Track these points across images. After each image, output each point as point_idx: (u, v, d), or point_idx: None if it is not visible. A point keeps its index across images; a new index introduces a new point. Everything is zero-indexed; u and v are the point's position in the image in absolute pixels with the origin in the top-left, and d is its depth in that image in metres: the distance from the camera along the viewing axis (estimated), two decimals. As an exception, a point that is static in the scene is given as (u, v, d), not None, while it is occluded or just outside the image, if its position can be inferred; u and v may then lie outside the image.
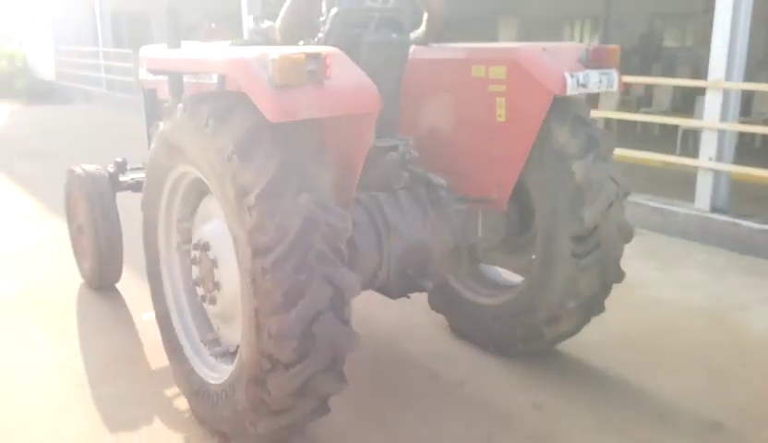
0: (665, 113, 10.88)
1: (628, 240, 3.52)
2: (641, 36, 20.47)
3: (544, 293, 3.50)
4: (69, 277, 5.11)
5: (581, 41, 24.89)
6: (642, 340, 4.21)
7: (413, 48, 3.63)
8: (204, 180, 2.83)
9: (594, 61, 3.32)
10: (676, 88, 11.54)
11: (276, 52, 2.48)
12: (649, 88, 12.25)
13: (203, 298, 3.07)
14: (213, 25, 4.21)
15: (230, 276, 2.80)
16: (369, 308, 4.56)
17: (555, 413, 3.37)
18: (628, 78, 10.95)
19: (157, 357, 3.74)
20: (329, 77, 2.52)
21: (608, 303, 3.51)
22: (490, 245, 3.84)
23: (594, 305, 3.54)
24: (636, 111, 11.24)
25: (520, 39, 25.82)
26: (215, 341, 3.22)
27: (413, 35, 3.62)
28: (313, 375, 2.56)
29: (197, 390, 3.09)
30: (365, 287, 3.26)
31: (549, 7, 23.93)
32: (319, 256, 2.47)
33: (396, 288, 3.40)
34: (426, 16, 3.68)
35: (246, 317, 2.56)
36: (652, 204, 6.55)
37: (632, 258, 5.61)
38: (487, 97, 3.44)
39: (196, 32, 4.16)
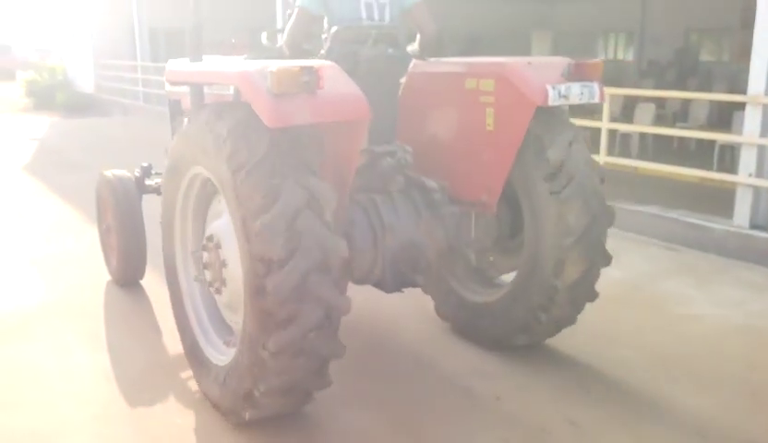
0: (701, 128, 10.73)
1: (600, 174, 3.71)
2: (677, 50, 20.25)
3: (535, 274, 3.68)
4: (102, 284, 5.22)
5: (615, 55, 24.72)
6: (679, 357, 4.14)
7: (412, 62, 4.01)
8: (212, 179, 3.15)
9: (576, 74, 3.54)
10: (712, 102, 11.38)
11: (275, 65, 2.77)
12: (685, 102, 12.09)
13: (210, 284, 3.33)
14: (233, 40, 4.45)
15: (234, 260, 3.04)
16: (402, 322, 4.57)
17: (591, 430, 3.33)
18: (664, 93, 10.89)
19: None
20: (322, 88, 2.81)
21: (644, 319, 3.48)
22: (483, 247, 4.04)
23: (591, 245, 3.62)
24: (672, 126, 11.11)
25: (553, 52, 25.75)
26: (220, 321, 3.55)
27: (410, 49, 3.95)
28: (309, 330, 2.80)
29: (201, 362, 3.47)
30: (361, 282, 3.62)
31: (583, 21, 23.82)
32: (307, 220, 2.77)
33: (390, 282, 3.64)
34: (418, 36, 3.96)
35: (246, 280, 2.84)
36: (688, 220, 6.45)
37: (668, 275, 5.59)
38: (478, 107, 3.68)
39: (221, 47, 4.48)
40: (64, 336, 4.38)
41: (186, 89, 3.79)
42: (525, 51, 25.17)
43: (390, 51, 3.67)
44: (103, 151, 11.57)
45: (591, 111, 12.50)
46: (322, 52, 3.63)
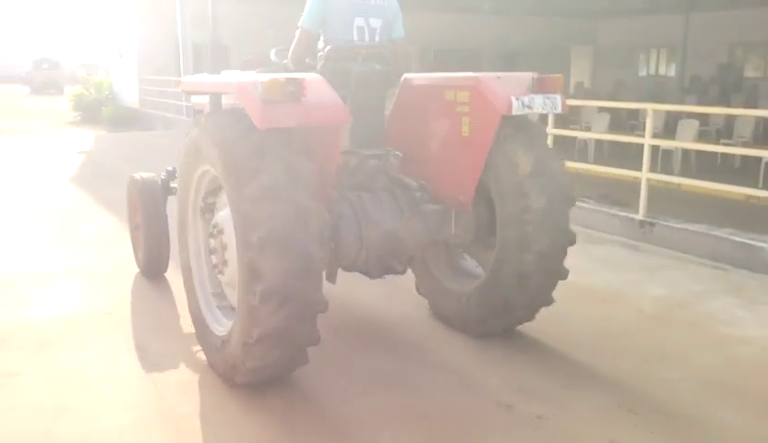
0: (746, 144, 10.51)
1: (563, 170, 4.15)
2: (720, 66, 19.90)
3: (506, 258, 4.08)
4: (145, 293, 5.33)
5: (656, 71, 24.41)
6: (727, 379, 4.03)
7: (403, 77, 4.48)
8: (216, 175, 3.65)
9: (539, 87, 3.99)
10: (758, 119, 11.14)
11: (266, 77, 3.27)
12: (729, 119, 11.87)
13: (215, 267, 3.85)
14: (249, 56, 4.93)
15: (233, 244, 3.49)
16: (439, 337, 4.55)
17: (635, 452, 3.26)
18: (707, 109, 10.70)
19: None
20: (305, 96, 3.28)
21: (690, 339, 3.40)
22: (463, 242, 4.46)
23: (553, 239, 4.02)
24: (716, 142, 10.90)
25: (593, 68, 25.55)
26: (221, 295, 4.02)
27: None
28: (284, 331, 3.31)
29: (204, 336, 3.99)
30: (348, 268, 4.13)
31: (624, 37, 23.61)
32: (289, 184, 3.24)
33: (374, 269, 4.11)
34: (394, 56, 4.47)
35: (241, 262, 3.31)
36: (736, 239, 6.30)
37: (715, 294, 5.46)
38: (456, 116, 4.13)
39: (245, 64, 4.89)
40: (108, 343, 4.47)
41: (206, 99, 4.15)
42: (564, 67, 25.04)
43: (378, 67, 4.21)
44: (145, 163, 11.78)
45: (632, 127, 12.37)
46: (318, 67, 4.13)
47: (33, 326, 4.71)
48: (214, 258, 3.81)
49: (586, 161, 9.98)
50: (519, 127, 4.05)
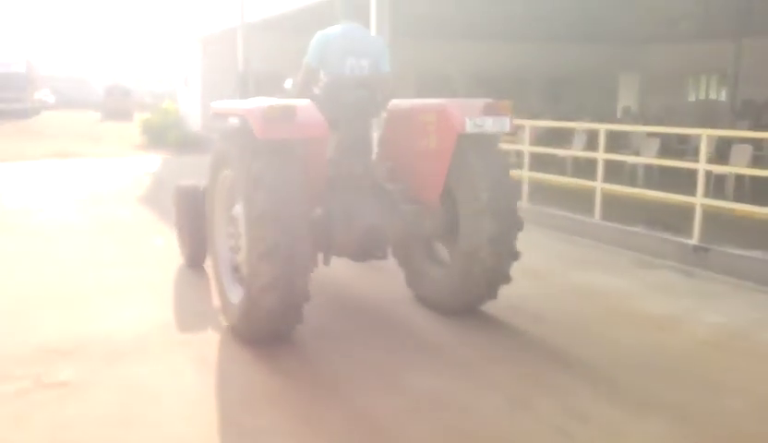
0: (803, 170, 10.25)
1: (509, 174, 5.19)
2: (774, 91, 19.47)
3: (466, 245, 5.02)
4: (212, 310, 5.49)
5: (706, 96, 24.05)
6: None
7: (390, 102, 5.52)
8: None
9: (490, 110, 4.96)
10: (816, 144, 10.88)
11: (268, 102, 4.37)
12: (785, 144, 11.62)
13: (232, 248, 4.87)
14: (289, 85, 5.83)
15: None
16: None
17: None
18: (762, 134, 10.49)
19: (296, 391, 3.94)
20: (296, 116, 4.34)
21: (751, 368, 3.34)
22: (435, 234, 5.46)
23: (499, 223, 4.93)
24: (771, 168, 10.66)
25: (641, 94, 25.31)
26: (237, 270, 4.90)
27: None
28: (279, 281, 4.29)
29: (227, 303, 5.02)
30: (339, 254, 5.15)
31: (672, 63, 23.34)
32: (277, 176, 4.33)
33: (359, 256, 5.19)
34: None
35: (247, 236, 4.43)
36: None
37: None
38: (426, 133, 5.16)
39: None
40: (174, 356, 4.64)
41: (237, 111, 4.88)
42: (612, 92, 24.88)
43: (365, 95, 5.16)
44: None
45: (682, 152, 12.20)
46: (320, 94, 5.15)
47: (104, 338, 4.92)
48: (232, 242, 4.83)
49: (636, 186, 9.90)
50: (476, 141, 5.03)
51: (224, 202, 5.14)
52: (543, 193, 9.39)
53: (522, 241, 7.70)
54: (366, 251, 5.19)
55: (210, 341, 4.93)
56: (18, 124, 32.01)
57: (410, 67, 22.08)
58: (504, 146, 10.84)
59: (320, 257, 5.09)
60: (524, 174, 9.17)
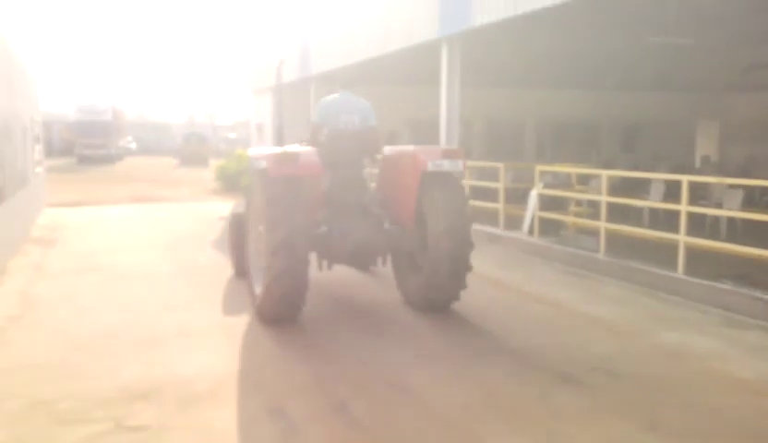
0: None
1: (465, 205, 6.72)
2: None
3: (432, 258, 6.54)
4: (283, 354, 5.54)
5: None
6: None
7: (384, 148, 7.32)
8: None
9: (447, 155, 6.62)
10: None
11: (281, 150, 6.23)
12: None
13: (257, 252, 6.69)
14: (306, 136, 7.32)
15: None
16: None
17: None
18: None
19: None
20: (298, 160, 6.15)
21: None
22: (412, 250, 6.98)
23: (452, 243, 6.47)
24: None
25: (720, 142, 24.55)
26: (261, 270, 6.43)
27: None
28: (282, 273, 6.00)
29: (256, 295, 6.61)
30: (337, 261, 6.99)
31: (753, 110, 22.55)
32: (285, 202, 6.10)
33: (352, 263, 7.28)
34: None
35: (264, 241, 6.20)
36: None
37: None
38: (403, 172, 6.88)
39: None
40: (248, 402, 4.65)
41: (261, 156, 6.63)
42: (689, 141, 24.23)
43: (354, 144, 7.02)
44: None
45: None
46: (323, 142, 6.96)
47: (180, 382, 4.98)
48: (259, 248, 6.52)
49: (718, 239, 9.47)
50: (440, 179, 6.66)
51: (254, 222, 6.92)
52: (619, 244, 9.08)
53: (601, 295, 7.49)
54: (356, 261, 7.27)
55: (282, 388, 4.91)
56: (103, 169, 33.67)
57: (479, 116, 22.17)
58: (577, 195, 10.70)
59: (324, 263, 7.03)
60: (601, 225, 8.90)
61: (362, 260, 7.22)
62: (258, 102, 26.04)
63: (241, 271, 8.13)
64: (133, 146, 52.74)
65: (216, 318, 6.72)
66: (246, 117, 28.35)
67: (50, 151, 32.00)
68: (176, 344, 5.88)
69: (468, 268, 6.64)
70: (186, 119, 67.49)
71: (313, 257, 6.58)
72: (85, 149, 39.92)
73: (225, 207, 16.72)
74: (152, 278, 8.53)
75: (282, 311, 6.31)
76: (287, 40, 21.21)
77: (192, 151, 40.37)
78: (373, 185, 7.52)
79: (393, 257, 7.35)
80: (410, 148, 7.04)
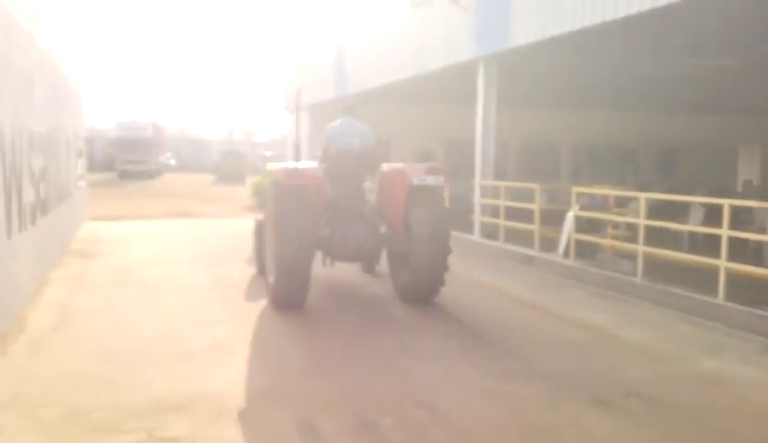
0: None
1: (445, 212, 7.96)
2: None
3: (416, 258, 7.70)
4: (315, 370, 5.53)
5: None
6: None
7: (382, 166, 8.47)
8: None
9: (430, 171, 7.71)
10: None
11: (293, 165, 7.92)
12: None
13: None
14: (318, 154, 8.50)
15: None
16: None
17: None
18: None
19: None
20: (304, 174, 7.53)
21: None
22: (403, 250, 8.02)
23: (432, 246, 7.67)
24: None
25: (763, 166, 24.03)
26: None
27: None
28: (289, 266, 7.25)
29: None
30: (338, 259, 8.20)
31: (798, 134, 22.07)
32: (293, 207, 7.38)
33: (351, 260, 8.54)
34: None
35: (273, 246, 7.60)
36: None
37: None
38: (395, 185, 8.03)
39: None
40: (278, 418, 4.65)
41: (276, 168, 8.18)
42: (731, 164, 23.77)
43: (356, 161, 8.23)
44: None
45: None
46: (331, 158, 8.19)
47: (210, 396, 5.01)
48: (272, 246, 7.70)
49: (761, 265, 9.21)
50: (425, 192, 7.82)
51: (269, 225, 8.06)
52: (657, 269, 8.90)
53: (637, 319, 7.36)
54: (354, 259, 8.54)
55: (313, 404, 4.90)
56: (143, 184, 34.37)
57: (514, 136, 22.06)
58: (615, 218, 10.54)
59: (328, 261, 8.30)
60: (639, 248, 8.73)
61: (359, 258, 8.62)
62: (296, 119, 26.31)
63: (262, 269, 9.07)
64: (172, 162, 53.76)
65: (248, 334, 6.76)
66: (283, 134, 28.71)
67: (92, 166, 32.74)
68: (209, 358, 5.92)
69: (446, 268, 7.83)
70: (225, 135, 68.64)
71: (319, 255, 8.08)
72: (126, 164, 40.82)
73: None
74: (187, 292, 8.63)
75: (288, 300, 7.50)
76: (323, 60, 21.48)
77: (230, 168, 40.97)
78: (373, 196, 8.57)
79: (388, 256, 8.65)
80: (401, 165, 8.29)
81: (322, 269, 8.32)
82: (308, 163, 8.38)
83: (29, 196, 7.62)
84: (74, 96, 13.22)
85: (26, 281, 7.52)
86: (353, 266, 9.67)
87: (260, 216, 9.48)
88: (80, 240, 13.06)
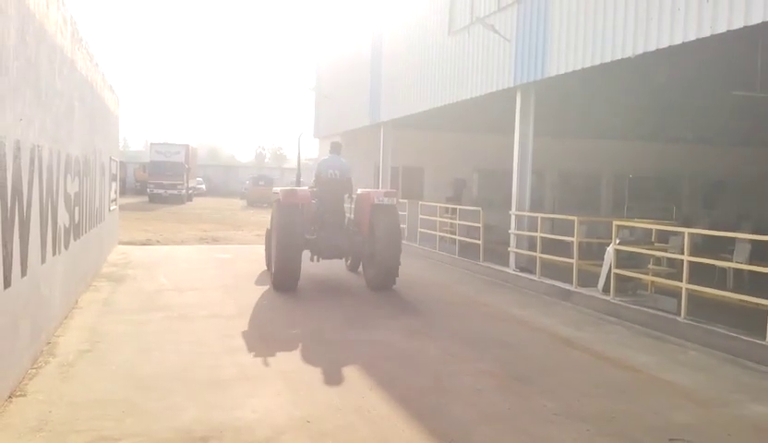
0: None
1: (397, 226, 11.22)
2: None
3: (377, 256, 10.87)
4: (344, 404, 5.38)
5: None
6: None
7: (358, 190, 11.77)
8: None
9: (388, 194, 11.15)
10: None
11: (290, 188, 11.28)
12: None
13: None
14: (313, 180, 11.83)
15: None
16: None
17: None
18: None
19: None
20: (297, 195, 10.81)
21: None
22: (369, 251, 11.07)
23: (388, 247, 10.77)
24: None
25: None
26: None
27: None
28: (284, 259, 10.55)
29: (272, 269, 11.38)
30: (321, 256, 11.54)
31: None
32: (288, 218, 10.69)
33: (332, 257, 11.79)
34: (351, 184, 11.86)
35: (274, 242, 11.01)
36: None
37: None
38: (364, 204, 11.28)
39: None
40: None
41: (278, 191, 11.23)
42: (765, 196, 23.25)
43: (338, 187, 11.45)
44: (335, 272, 12.45)
45: None
46: (319, 184, 11.53)
47: (240, 426, 4.89)
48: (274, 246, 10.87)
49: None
50: (383, 209, 10.88)
51: (273, 231, 11.03)
52: (700, 307, 8.56)
53: (681, 361, 7.08)
54: (334, 256, 11.72)
55: (343, 439, 4.74)
56: (173, 209, 34.70)
57: (552, 166, 21.80)
58: (657, 253, 10.19)
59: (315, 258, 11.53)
60: (683, 286, 8.40)
61: (338, 256, 11.94)
62: (325, 148, 26.47)
63: (269, 265, 12.07)
64: (203, 187, 54.33)
65: (276, 363, 6.62)
66: (314, 158, 28.83)
67: (124, 190, 33.23)
68: (237, 388, 5.79)
69: (399, 263, 10.95)
70: (255, 158, 69.20)
71: (307, 254, 11.26)
72: (157, 188, 41.31)
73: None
74: (215, 319, 8.54)
75: (284, 285, 10.59)
76: (357, 87, 21.58)
77: (259, 193, 41.19)
78: (350, 212, 11.90)
79: (361, 256, 11.88)
80: (368, 190, 11.68)
81: (321, 270, 12.26)
82: (302, 188, 11.52)
83: (63, 220, 7.62)
84: (110, 121, 13.38)
85: (57, 304, 7.49)
86: (341, 267, 13.09)
87: (269, 226, 12.42)
88: (111, 264, 13.11)
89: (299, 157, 13.29)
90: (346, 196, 11.67)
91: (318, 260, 11.50)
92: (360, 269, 12.19)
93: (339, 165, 11.51)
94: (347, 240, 11.31)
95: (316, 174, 11.55)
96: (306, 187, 11.55)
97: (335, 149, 11.90)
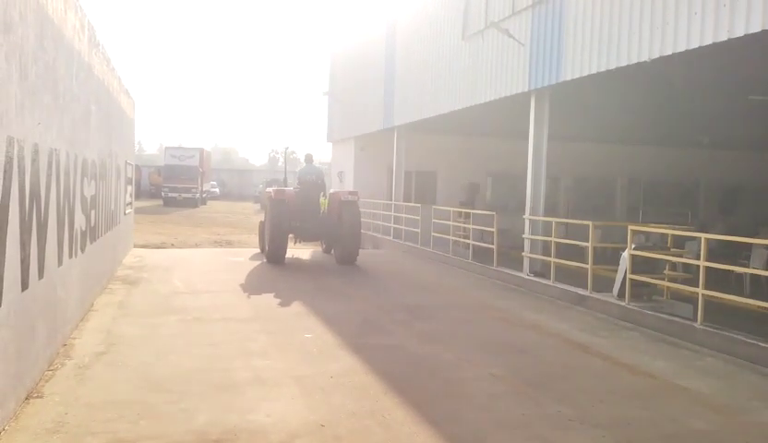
0: None
1: (358, 214, 15.33)
2: None
3: (341, 240, 15.20)
4: (358, 408, 5.37)
5: None
6: None
7: (331, 189, 19.01)
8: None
9: (351, 194, 15.48)
10: None
11: (279, 188, 15.54)
12: None
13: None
14: (297, 182, 15.74)
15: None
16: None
17: None
18: None
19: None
20: (284, 193, 15.14)
21: None
22: (339, 236, 15.28)
23: (351, 232, 15.05)
24: None
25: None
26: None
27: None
28: (275, 240, 14.74)
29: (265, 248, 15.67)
30: (302, 239, 16.07)
31: None
32: (277, 210, 14.84)
33: (309, 240, 16.71)
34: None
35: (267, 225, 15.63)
36: None
37: None
38: (335, 201, 15.43)
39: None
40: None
41: (270, 190, 15.47)
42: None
43: (316, 188, 15.59)
44: (354, 280, 12.43)
45: None
46: (301, 184, 15.61)
47: (254, 429, 4.89)
48: (266, 231, 15.55)
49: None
50: (348, 203, 15.01)
51: (267, 221, 15.12)
52: (717, 313, 8.48)
53: (698, 367, 7.04)
54: (312, 239, 16.30)
55: (360, 442, 4.72)
56: (187, 212, 34.90)
57: (566, 171, 21.68)
58: (673, 258, 10.10)
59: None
60: (699, 291, 8.32)
61: (314, 239, 16.29)
62: (337, 151, 26.52)
63: (262, 248, 15.88)
64: (216, 190, 54.61)
65: (290, 367, 6.62)
66: (329, 165, 28.89)
67: (138, 193, 33.46)
68: (251, 391, 5.80)
69: (359, 245, 15.11)
70: (268, 162, 69.40)
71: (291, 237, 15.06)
72: (172, 192, 41.57)
73: (300, 252, 16.88)
74: (228, 322, 8.56)
75: (274, 259, 14.36)
76: (371, 92, 21.61)
77: None
78: (324, 207, 15.43)
79: (331, 240, 15.92)
80: (338, 190, 16.56)
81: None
82: (288, 188, 15.62)
83: (80, 223, 7.67)
84: (125, 124, 13.47)
85: (73, 306, 7.54)
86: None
87: (262, 218, 16.34)
88: (126, 266, 13.19)
89: (285, 165, 18.07)
90: (321, 194, 15.51)
91: (299, 242, 16.01)
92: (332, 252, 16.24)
93: (315, 172, 15.89)
94: (321, 227, 15.30)
95: (298, 178, 15.62)
96: (291, 188, 15.61)
97: (309, 159, 16.70)
